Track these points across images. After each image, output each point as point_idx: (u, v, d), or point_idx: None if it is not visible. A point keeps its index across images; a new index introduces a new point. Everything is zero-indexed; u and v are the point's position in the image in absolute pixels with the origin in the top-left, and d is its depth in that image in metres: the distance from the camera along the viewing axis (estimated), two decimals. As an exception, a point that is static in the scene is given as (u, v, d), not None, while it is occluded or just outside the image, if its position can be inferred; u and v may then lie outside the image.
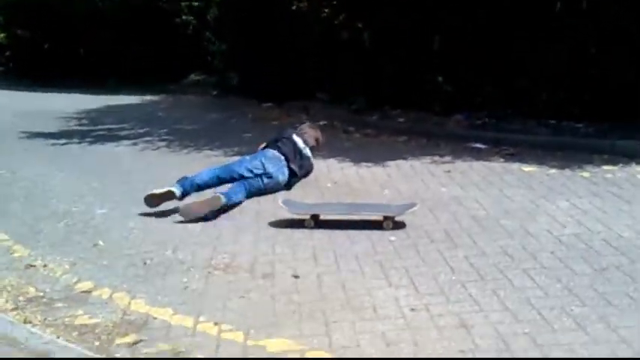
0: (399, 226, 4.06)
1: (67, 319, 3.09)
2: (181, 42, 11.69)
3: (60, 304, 3.25)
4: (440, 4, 7.01)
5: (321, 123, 7.05)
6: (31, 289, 3.44)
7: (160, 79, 11.62)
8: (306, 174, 5.29)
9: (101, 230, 4.31)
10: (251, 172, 4.88)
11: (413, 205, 4.24)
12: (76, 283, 3.50)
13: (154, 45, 11.83)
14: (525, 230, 3.90)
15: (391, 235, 3.93)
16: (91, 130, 8.09)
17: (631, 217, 4.03)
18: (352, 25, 7.64)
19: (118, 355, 2.73)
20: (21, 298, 3.33)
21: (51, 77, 12.50)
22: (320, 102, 8.38)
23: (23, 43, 13.91)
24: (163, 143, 7.11)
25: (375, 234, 3.96)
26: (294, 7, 8.22)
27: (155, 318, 3.05)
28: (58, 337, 2.89)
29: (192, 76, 12.16)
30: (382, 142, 6.70)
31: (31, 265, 3.76)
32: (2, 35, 15.10)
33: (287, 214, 4.28)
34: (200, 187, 4.75)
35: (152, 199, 4.57)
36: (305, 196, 4.85)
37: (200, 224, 4.33)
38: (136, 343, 2.82)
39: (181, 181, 4.69)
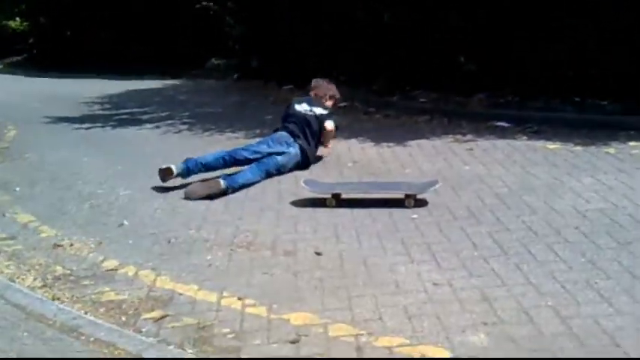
0: (421, 203, 4.06)
1: (94, 296, 3.16)
2: (202, 27, 11.74)
3: (87, 282, 3.33)
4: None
5: (342, 105, 7.04)
6: (59, 268, 3.52)
7: (181, 64, 11.69)
8: (318, 141, 5.21)
9: (126, 211, 4.38)
10: (258, 153, 4.91)
11: (435, 182, 4.23)
12: (102, 261, 3.58)
13: (175, 30, 11.90)
14: (549, 206, 3.88)
15: (413, 213, 3.93)
16: (114, 115, 8.19)
17: (658, 193, 3.99)
18: (372, 5, 7.60)
19: (144, 330, 2.79)
20: (49, 277, 3.42)
21: (73, 63, 12.66)
22: (340, 83, 8.35)
23: (45, 31, 14.09)
24: (185, 126, 7.18)
25: (397, 212, 3.96)
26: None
27: (180, 294, 3.10)
28: (86, 313, 2.97)
29: (213, 61, 12.22)
30: (403, 123, 6.68)
31: (58, 245, 3.84)
32: (25, 23, 15.31)
33: (309, 194, 4.31)
34: (206, 168, 4.82)
35: (159, 173, 4.76)
36: (326, 175, 4.87)
37: (223, 204, 4.38)
38: (162, 317, 2.88)
39: (186, 161, 4.81)
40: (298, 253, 3.49)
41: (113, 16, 12.37)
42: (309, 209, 4.16)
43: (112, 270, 3.45)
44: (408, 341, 2.54)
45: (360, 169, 5.06)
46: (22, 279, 3.40)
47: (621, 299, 2.73)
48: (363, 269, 3.22)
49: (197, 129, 7.00)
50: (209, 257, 3.51)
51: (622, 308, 2.66)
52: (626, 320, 2.57)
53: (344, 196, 4.26)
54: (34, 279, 3.40)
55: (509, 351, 2.43)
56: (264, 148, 4.97)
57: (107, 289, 3.23)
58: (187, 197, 4.51)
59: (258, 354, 2.54)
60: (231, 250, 3.59)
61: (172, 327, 2.79)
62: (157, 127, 7.26)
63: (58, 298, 3.14)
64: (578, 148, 5.14)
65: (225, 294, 3.06)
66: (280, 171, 4.94)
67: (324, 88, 5.51)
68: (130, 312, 2.97)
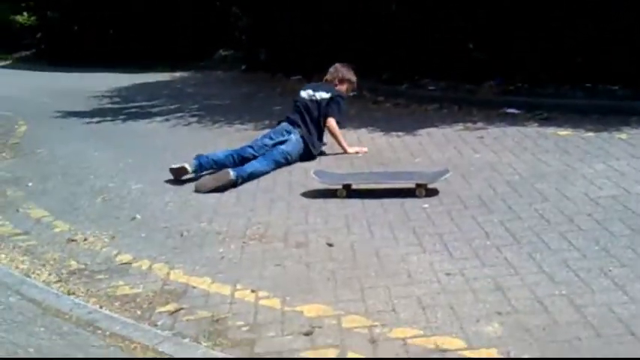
0: (432, 193, 4.05)
1: (109, 290, 3.18)
2: (208, 18, 11.72)
3: (101, 276, 3.35)
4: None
5: (351, 94, 7.00)
6: (73, 263, 3.55)
7: (189, 56, 11.69)
8: (319, 127, 5.10)
9: (138, 204, 4.40)
10: (264, 147, 4.94)
11: (445, 171, 4.21)
12: (116, 255, 3.60)
13: (182, 22, 11.89)
14: (561, 193, 3.86)
15: (424, 203, 3.92)
16: (124, 108, 8.21)
17: (671, 178, 3.96)
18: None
19: (159, 323, 2.80)
20: (64, 271, 3.44)
21: (81, 58, 12.68)
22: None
23: (53, 25, 14.11)
24: (194, 119, 7.18)
25: (408, 202, 3.96)
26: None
27: (194, 287, 3.12)
28: (101, 307, 2.99)
29: (221, 52, 12.22)
30: (413, 111, 6.65)
31: (72, 240, 3.87)
32: (32, 17, 15.33)
33: (319, 185, 4.30)
34: (217, 164, 4.83)
35: (172, 172, 4.77)
36: (336, 166, 4.87)
37: (234, 197, 4.39)
38: (176, 311, 2.90)
39: (198, 158, 4.85)
40: (310, 245, 3.50)
41: (120, 11, 12.36)
42: (320, 200, 4.16)
43: (125, 264, 3.47)
44: (422, 332, 2.54)
45: (370, 159, 5.04)
46: (37, 274, 3.43)
47: (636, 287, 2.72)
48: (375, 260, 3.23)
49: (206, 121, 7.00)
50: (221, 250, 3.53)
51: (637, 296, 2.65)
52: (641, 308, 2.56)
53: (354, 186, 4.25)
54: (49, 274, 3.43)
55: (524, 340, 2.43)
56: (268, 141, 5.00)
57: (121, 283, 3.25)
58: (198, 190, 4.52)
59: (272, 346, 2.55)
60: (244, 242, 3.60)
61: (187, 320, 2.81)
62: (167, 119, 7.27)
63: (74, 293, 3.17)
64: (590, 134, 5.10)
65: (238, 286, 3.07)
66: (288, 160, 4.95)
67: (336, 71, 5.35)
68: (145, 306, 2.99)
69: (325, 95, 5.18)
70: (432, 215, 3.74)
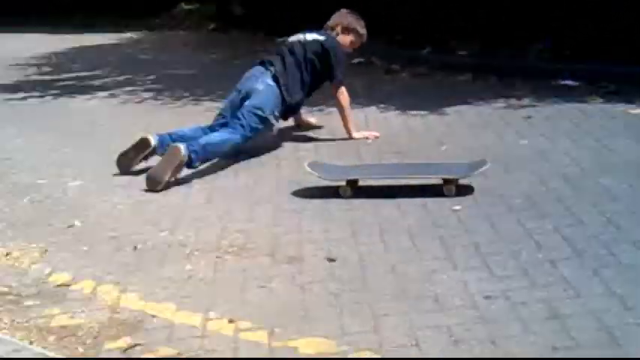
0: (465, 191, 4.07)
1: (40, 321, 3.17)
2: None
3: (31, 302, 3.34)
4: None
5: (355, 61, 7.04)
6: (-7, 285, 3.54)
7: (141, 11, 11.65)
8: (300, 72, 5.02)
9: (77, 207, 4.40)
10: (233, 104, 4.93)
11: (482, 163, 4.23)
12: (49, 275, 3.59)
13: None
14: (636, 192, 3.89)
15: (454, 204, 3.94)
16: (56, 80, 8.20)
17: None
18: None
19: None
20: (-20, 297, 3.44)
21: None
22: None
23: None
24: (150, 94, 7.19)
25: (433, 202, 3.98)
26: None
27: (153, 316, 3.11)
28: (31, 343, 2.98)
29: (182, 6, 12.18)
30: (438, 83, 6.69)
31: (-10, 255, 3.87)
32: None
33: (316, 181, 4.32)
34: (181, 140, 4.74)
35: (121, 162, 4.78)
36: (338, 156, 4.89)
37: (204, 196, 4.40)
38: (130, 347, 2.90)
39: (160, 135, 4.82)
40: (305, 260, 3.50)
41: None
42: (318, 201, 4.17)
43: (62, 285, 3.46)
44: (454, 374, 2.56)
45: (382, 146, 5.06)
46: (-56, 301, 3.42)
47: None
48: (391, 279, 3.24)
49: (165, 97, 7.02)
50: (189, 267, 3.53)
51: None
52: None
53: (362, 182, 4.27)
54: (-39, 300, 3.42)
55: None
56: (236, 96, 4.93)
57: (57, 311, 3.24)
58: (151, 186, 4.48)
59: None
60: (218, 257, 3.61)
61: (146, 360, 2.82)
62: (113, 95, 7.28)
63: (-6, 325, 3.17)
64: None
65: (211, 315, 3.07)
66: (261, 117, 4.81)
67: (340, 16, 5.26)
68: (89, 341, 2.98)
69: (318, 37, 5.11)
70: (465, 220, 3.76)
